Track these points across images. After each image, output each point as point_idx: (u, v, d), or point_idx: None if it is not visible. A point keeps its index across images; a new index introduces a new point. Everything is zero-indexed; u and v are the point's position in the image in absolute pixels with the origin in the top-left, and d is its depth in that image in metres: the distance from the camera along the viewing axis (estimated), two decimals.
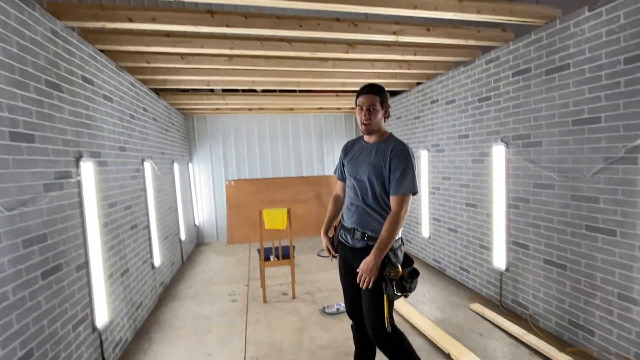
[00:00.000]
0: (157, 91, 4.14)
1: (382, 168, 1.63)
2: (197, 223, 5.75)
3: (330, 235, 1.88)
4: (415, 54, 3.00)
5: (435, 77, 3.82)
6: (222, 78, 3.48)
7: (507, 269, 2.87)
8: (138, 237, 2.99)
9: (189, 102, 4.62)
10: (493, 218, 2.97)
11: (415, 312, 2.83)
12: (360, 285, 1.56)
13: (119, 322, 2.43)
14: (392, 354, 1.66)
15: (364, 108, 1.65)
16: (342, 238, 1.78)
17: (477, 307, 2.89)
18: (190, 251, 5.23)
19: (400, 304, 2.97)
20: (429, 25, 2.55)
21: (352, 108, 5.86)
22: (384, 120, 1.73)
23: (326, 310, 2.98)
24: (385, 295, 1.55)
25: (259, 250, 3.46)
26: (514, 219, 2.77)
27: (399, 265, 1.54)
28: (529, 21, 2.33)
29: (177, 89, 4.49)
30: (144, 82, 3.51)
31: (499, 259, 2.92)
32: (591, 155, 2.12)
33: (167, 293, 3.57)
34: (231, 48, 2.66)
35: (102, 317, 2.17)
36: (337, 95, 4.96)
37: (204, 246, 5.62)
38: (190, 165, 5.59)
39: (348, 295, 1.84)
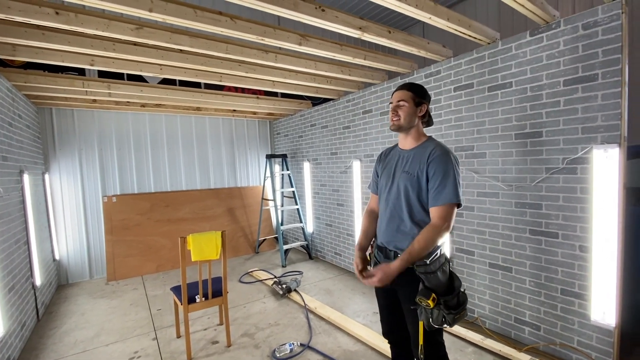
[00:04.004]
0: None
1: (419, 176, 1.47)
2: (57, 257, 4.12)
3: (368, 252, 1.67)
4: (365, 58, 2.83)
5: (368, 87, 3.79)
6: (118, 55, 2.52)
7: None
8: None
9: (50, 88, 3.24)
10: None
11: (378, 336, 2.59)
12: (364, 282, 1.45)
13: None
14: None
15: (393, 103, 1.53)
16: (376, 257, 1.62)
17: None
18: (50, 300, 3.65)
19: (356, 327, 2.69)
20: (390, 28, 2.42)
21: (270, 113, 5.39)
22: (422, 122, 1.55)
23: (277, 355, 2.42)
24: (420, 323, 1.42)
25: (176, 289, 2.60)
26: (457, 226, 2.88)
27: (432, 294, 1.34)
28: (479, 38, 2.46)
29: (31, 65, 3.11)
30: None
31: None
32: (534, 166, 2.34)
33: None
34: (150, 10, 1.88)
35: None
36: (257, 98, 4.42)
37: (71, 288, 4.05)
38: (46, 176, 3.98)
39: (384, 316, 1.70)
